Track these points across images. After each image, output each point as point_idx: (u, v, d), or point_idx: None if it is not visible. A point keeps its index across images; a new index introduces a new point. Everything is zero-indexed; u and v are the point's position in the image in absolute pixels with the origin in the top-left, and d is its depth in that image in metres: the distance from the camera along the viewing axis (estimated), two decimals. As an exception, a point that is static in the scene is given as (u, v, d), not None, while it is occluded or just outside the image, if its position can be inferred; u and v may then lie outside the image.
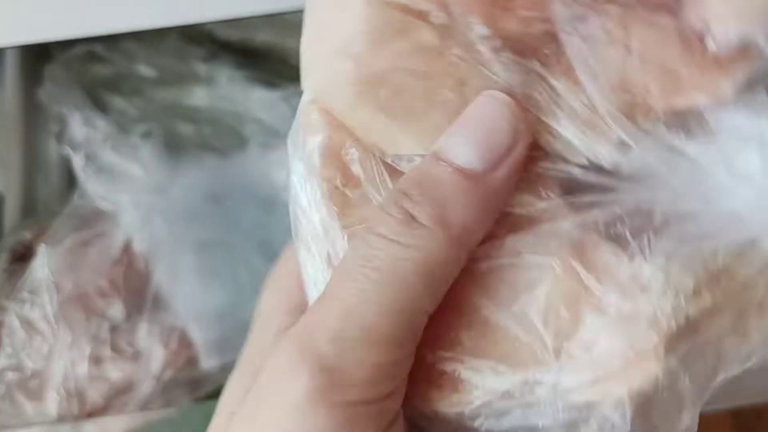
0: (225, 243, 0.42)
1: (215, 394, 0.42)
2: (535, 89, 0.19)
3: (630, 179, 0.20)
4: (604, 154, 0.19)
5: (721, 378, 0.20)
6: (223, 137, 0.43)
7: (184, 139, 0.43)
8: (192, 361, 0.38)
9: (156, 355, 0.36)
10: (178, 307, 0.39)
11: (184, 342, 0.38)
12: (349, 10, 0.20)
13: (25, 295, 0.38)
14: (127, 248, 0.37)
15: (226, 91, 0.42)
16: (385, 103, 0.20)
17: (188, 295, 0.39)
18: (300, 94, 0.46)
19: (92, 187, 0.37)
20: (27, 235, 0.40)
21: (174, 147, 0.42)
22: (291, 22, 0.43)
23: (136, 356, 0.36)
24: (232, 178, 0.43)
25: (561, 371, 0.18)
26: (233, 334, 0.39)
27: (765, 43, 0.19)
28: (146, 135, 0.41)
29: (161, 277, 0.39)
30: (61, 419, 0.36)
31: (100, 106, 0.41)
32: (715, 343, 0.19)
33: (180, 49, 0.43)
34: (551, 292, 0.18)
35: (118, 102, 0.41)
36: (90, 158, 0.37)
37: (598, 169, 0.19)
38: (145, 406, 0.36)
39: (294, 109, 0.44)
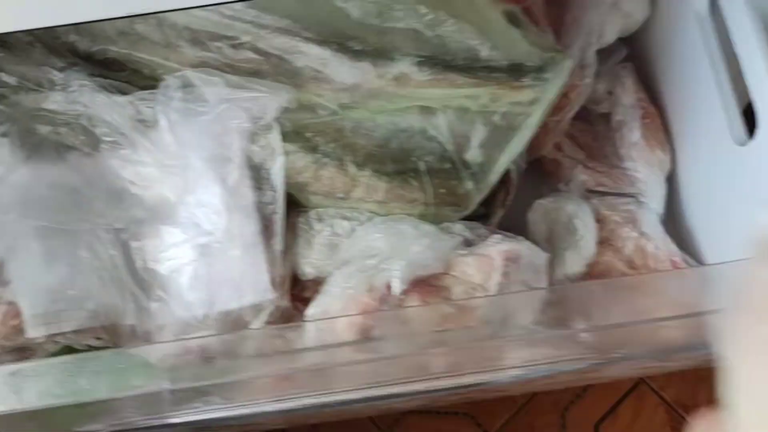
0: (71, 229, 0.46)
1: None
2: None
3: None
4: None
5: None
6: (77, 137, 0.47)
7: (41, 138, 0.47)
8: (18, 331, 0.42)
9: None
10: (14, 283, 0.43)
11: (12, 314, 0.42)
12: None
13: None
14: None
15: (80, 96, 0.46)
16: None
17: (25, 272, 0.43)
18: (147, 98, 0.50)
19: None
20: None
21: (31, 146, 0.47)
22: (142, 34, 0.48)
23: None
24: (85, 173, 0.48)
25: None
26: (60, 309, 0.43)
27: None
28: (3, 135, 0.45)
29: (1, 257, 0.43)
30: None
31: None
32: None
33: (42, 60, 0.48)
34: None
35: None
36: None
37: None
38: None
39: (140, 111, 0.48)
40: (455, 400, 0.68)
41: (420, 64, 0.45)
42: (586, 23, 0.59)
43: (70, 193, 0.47)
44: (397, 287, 0.44)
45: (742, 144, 0.51)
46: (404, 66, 0.45)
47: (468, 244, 0.50)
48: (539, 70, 0.47)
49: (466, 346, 0.40)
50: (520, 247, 0.48)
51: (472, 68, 0.46)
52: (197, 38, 0.46)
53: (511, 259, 0.47)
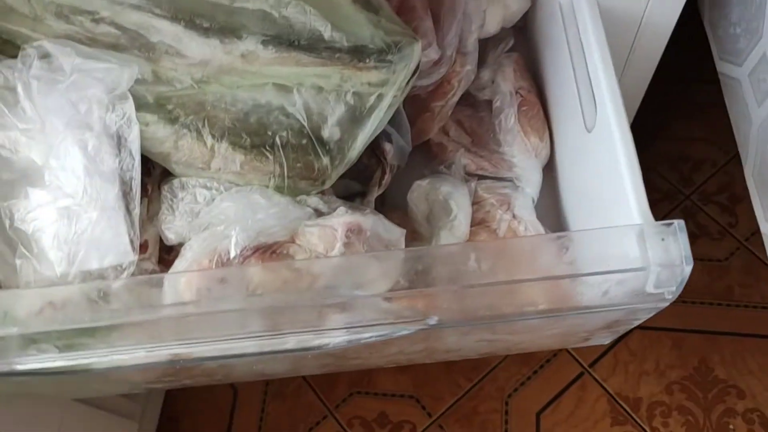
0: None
1: None
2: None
3: None
4: None
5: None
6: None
7: None
8: None
9: None
10: None
11: None
12: None
13: None
14: None
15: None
16: None
17: None
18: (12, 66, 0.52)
19: None
20: None
21: None
22: (11, 6, 0.51)
23: None
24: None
25: None
26: None
27: None
28: None
29: None
30: None
31: None
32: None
33: None
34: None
35: None
36: None
37: None
38: None
39: (7, 79, 0.50)
40: (316, 366, 0.70)
41: (266, 42, 0.48)
42: (460, 11, 0.61)
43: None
44: (233, 251, 0.47)
45: (591, 130, 0.53)
46: (251, 44, 0.48)
47: (322, 216, 0.53)
48: (382, 52, 0.49)
49: (287, 308, 0.42)
50: (364, 220, 0.50)
51: (315, 48, 0.49)
52: (61, 12, 0.49)
53: (353, 231, 0.50)
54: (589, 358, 1.11)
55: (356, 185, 0.61)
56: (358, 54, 0.50)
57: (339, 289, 0.43)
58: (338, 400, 1.15)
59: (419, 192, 0.63)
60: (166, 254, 0.57)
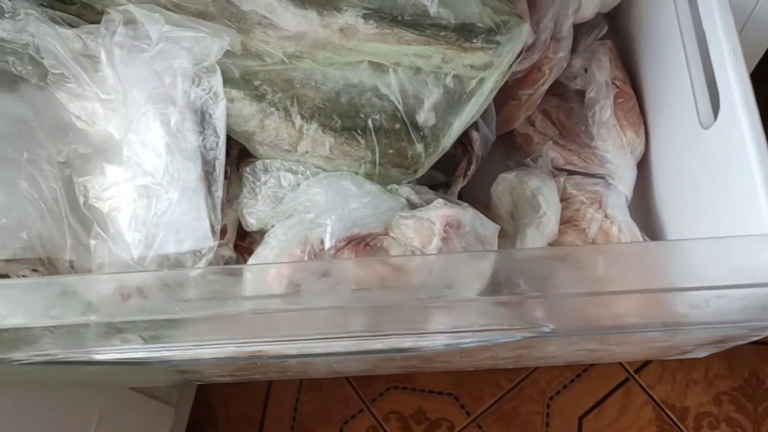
0: (11, 158, 0.46)
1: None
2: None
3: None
4: None
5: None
6: (24, 67, 0.47)
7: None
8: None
9: None
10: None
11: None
12: None
13: None
14: None
15: (26, 25, 0.46)
16: None
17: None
18: (94, 32, 0.50)
19: None
20: None
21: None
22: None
23: None
24: (32, 104, 0.48)
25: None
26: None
27: None
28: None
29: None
30: None
31: None
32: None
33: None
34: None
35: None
36: None
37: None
38: None
39: (87, 45, 0.48)
40: (396, 367, 0.67)
41: (366, 16, 0.44)
42: (561, -7, 0.57)
43: (14, 122, 0.47)
44: (328, 241, 0.43)
45: (708, 127, 0.49)
46: (350, 17, 0.44)
47: (413, 207, 0.50)
48: (490, 32, 0.45)
49: (390, 307, 0.39)
50: (463, 213, 0.47)
51: (420, 25, 0.45)
52: (147, -25, 0.46)
53: (452, 225, 0.46)
54: (635, 364, 1.07)
55: (439, 175, 0.57)
56: (465, 33, 0.46)
57: (443, 289, 0.39)
58: (375, 394, 1.12)
59: (504, 185, 0.59)
60: (240, 240, 0.54)
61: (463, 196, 0.62)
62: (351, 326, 0.39)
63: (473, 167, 0.58)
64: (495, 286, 0.39)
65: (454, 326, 0.39)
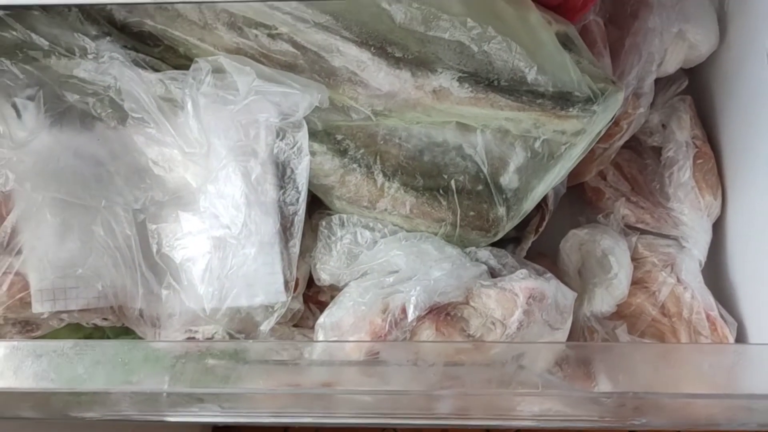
0: (87, 204, 0.45)
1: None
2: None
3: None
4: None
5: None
6: (104, 108, 0.46)
7: (68, 106, 0.46)
8: (25, 304, 0.41)
9: (-14, 294, 0.39)
10: (24, 253, 0.42)
11: (20, 285, 0.41)
12: None
13: None
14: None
15: (110, 68, 0.45)
16: None
17: (37, 244, 0.43)
18: (178, 78, 0.48)
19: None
20: None
21: (57, 113, 0.46)
22: (180, 11, 0.46)
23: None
24: (109, 146, 0.47)
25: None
26: (69, 286, 0.42)
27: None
28: (29, 98, 0.44)
29: (14, 225, 0.42)
30: None
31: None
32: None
33: (76, 25, 0.47)
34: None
35: (9, 66, 0.44)
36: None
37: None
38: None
39: (170, 91, 0.47)
40: None
41: (462, 80, 0.43)
42: (646, 50, 0.55)
43: (91, 165, 0.46)
44: (411, 313, 0.42)
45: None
46: (445, 80, 0.43)
47: (492, 272, 0.48)
48: (588, 101, 0.44)
49: (477, 392, 0.38)
50: (547, 286, 0.45)
51: (516, 91, 0.43)
52: (234, 23, 0.45)
53: (536, 298, 0.45)
54: None
55: (510, 231, 0.56)
56: (562, 101, 0.44)
57: (536, 374, 0.38)
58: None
59: (574, 242, 0.57)
60: (306, 288, 0.53)
61: (529, 248, 0.61)
62: (436, 409, 0.38)
63: (544, 223, 0.57)
64: (590, 378, 0.38)
65: (542, 413, 0.38)
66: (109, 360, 0.38)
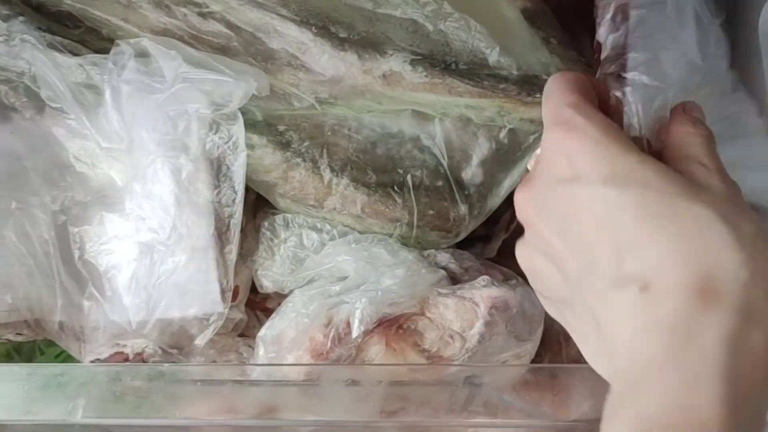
0: (0, 207, 0.40)
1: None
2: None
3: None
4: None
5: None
6: (18, 97, 0.41)
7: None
8: None
9: None
10: None
11: None
12: None
13: None
14: None
15: (22, 51, 0.40)
16: None
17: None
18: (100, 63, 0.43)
19: None
20: None
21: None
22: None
23: None
24: (26, 140, 0.42)
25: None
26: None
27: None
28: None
29: None
30: None
31: None
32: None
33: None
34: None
35: None
36: None
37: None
38: None
39: (91, 77, 0.42)
40: None
41: (415, 63, 0.38)
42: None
43: (4, 160, 0.41)
44: (357, 328, 0.37)
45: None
46: (396, 63, 0.38)
47: (453, 277, 0.43)
48: (559, 85, 0.39)
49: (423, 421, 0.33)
50: (512, 294, 0.40)
51: (476, 75, 0.38)
52: (161, 0, 0.40)
53: (499, 308, 0.40)
54: None
55: (479, 228, 0.51)
56: (528, 86, 0.39)
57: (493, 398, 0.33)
58: None
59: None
60: (252, 295, 0.48)
61: (503, 247, 0.56)
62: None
63: (516, 221, 0.52)
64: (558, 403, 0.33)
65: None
66: (7, 386, 0.33)
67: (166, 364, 0.37)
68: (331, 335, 0.38)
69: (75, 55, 0.41)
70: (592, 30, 0.52)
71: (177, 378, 0.35)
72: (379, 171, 0.43)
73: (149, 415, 0.33)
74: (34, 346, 0.51)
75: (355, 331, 0.37)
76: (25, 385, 0.33)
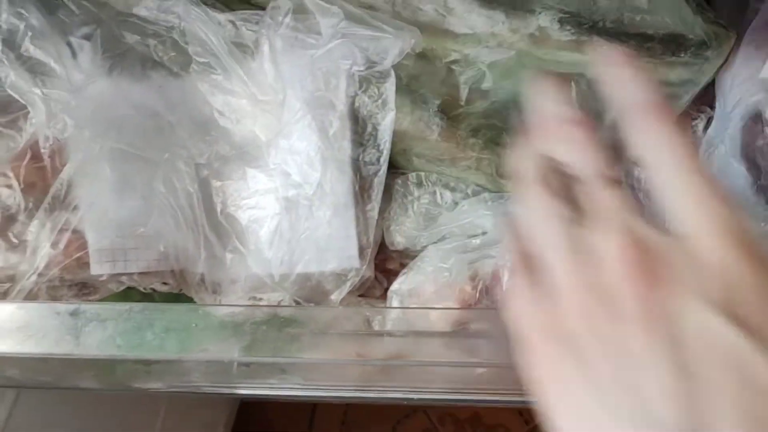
0: (149, 157, 0.41)
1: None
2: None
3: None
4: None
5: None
6: (166, 52, 0.42)
7: (128, 48, 0.42)
8: (82, 265, 0.37)
9: (42, 252, 0.35)
10: (82, 209, 0.38)
11: (77, 244, 0.37)
12: None
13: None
14: (33, 142, 0.37)
15: (174, 6, 0.41)
16: None
17: (95, 200, 0.39)
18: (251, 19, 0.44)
19: (8, 75, 0.36)
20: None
21: (116, 55, 0.42)
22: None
23: (21, 248, 0.35)
24: (171, 95, 0.43)
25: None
26: (129, 247, 0.39)
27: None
28: (86, 37, 0.40)
29: (71, 178, 0.38)
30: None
31: (46, 3, 0.41)
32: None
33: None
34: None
35: (64, 1, 0.40)
36: (10, 47, 0.37)
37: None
38: (28, 297, 0.36)
39: (240, 34, 0.42)
40: None
41: (563, 21, 0.39)
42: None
43: (152, 116, 0.42)
44: (507, 278, 0.38)
45: None
46: (544, 21, 0.39)
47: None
48: (701, 45, 0.40)
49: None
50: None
51: (623, 33, 0.39)
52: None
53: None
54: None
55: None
56: (674, 45, 0.40)
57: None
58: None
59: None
60: (377, 258, 0.49)
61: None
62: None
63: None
64: None
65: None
66: (180, 326, 0.34)
67: (321, 307, 0.38)
68: (479, 287, 0.38)
69: (226, 10, 0.42)
70: None
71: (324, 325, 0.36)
72: (513, 132, 0.43)
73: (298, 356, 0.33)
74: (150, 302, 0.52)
75: (507, 283, 0.38)
76: (200, 323, 0.34)
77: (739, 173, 0.37)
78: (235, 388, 0.37)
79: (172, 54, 0.42)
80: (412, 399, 0.37)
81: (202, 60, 0.42)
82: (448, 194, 0.44)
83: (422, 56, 0.42)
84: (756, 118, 0.37)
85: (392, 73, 0.40)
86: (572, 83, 0.43)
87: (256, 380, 0.35)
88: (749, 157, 0.37)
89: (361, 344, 0.38)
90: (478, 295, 0.39)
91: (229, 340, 0.35)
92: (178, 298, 0.46)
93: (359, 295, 0.50)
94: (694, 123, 0.45)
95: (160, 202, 0.41)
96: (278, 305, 0.42)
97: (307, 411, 1.09)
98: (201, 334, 0.34)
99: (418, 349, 0.38)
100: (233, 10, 0.42)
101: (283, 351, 0.34)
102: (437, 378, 0.36)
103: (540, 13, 0.39)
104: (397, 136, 0.44)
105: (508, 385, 0.37)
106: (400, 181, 0.45)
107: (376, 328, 0.39)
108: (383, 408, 1.08)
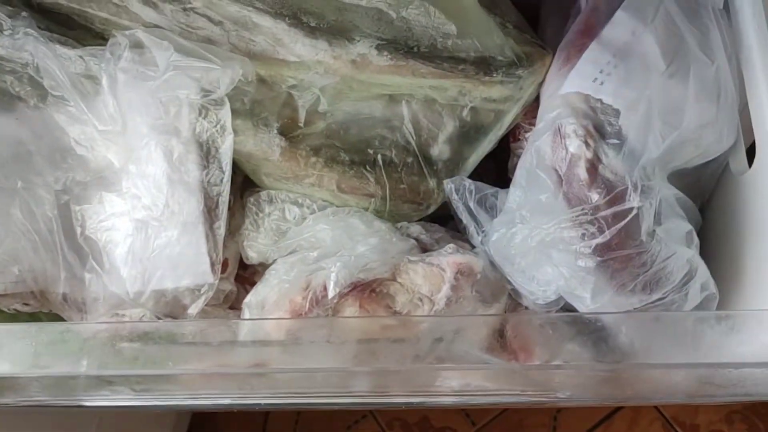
0: (5, 186, 0.44)
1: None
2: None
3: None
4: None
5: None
6: (23, 87, 0.45)
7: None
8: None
9: None
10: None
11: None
12: None
13: None
14: None
15: (25, 44, 0.44)
16: None
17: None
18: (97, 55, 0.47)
19: None
20: None
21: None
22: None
23: None
24: (30, 126, 0.46)
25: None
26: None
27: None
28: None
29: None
30: None
31: None
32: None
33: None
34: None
35: None
36: None
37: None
38: None
39: (89, 68, 0.45)
40: None
41: (380, 47, 0.42)
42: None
43: (10, 145, 0.45)
44: (332, 290, 0.41)
45: (742, 173, 0.46)
46: (363, 48, 0.42)
47: (424, 247, 0.47)
48: (512, 65, 0.43)
49: (396, 368, 0.37)
50: (476, 260, 0.44)
51: (437, 57, 0.42)
52: (149, -1, 0.43)
53: (464, 273, 0.43)
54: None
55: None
56: (484, 66, 0.43)
57: (457, 349, 0.37)
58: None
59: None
60: (242, 270, 0.52)
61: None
62: (353, 387, 0.37)
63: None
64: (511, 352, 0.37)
65: (463, 389, 0.37)
66: (16, 343, 0.37)
67: (161, 321, 0.41)
68: (309, 297, 0.41)
69: (71, 45, 0.45)
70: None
71: (172, 337, 0.39)
72: (352, 151, 0.46)
73: (144, 368, 0.36)
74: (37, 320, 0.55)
75: (331, 293, 0.41)
76: (33, 341, 0.36)
77: (544, 184, 0.40)
78: (78, 400, 0.39)
79: (29, 88, 0.45)
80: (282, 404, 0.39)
81: (56, 93, 0.45)
82: (296, 210, 0.47)
83: (263, 82, 0.45)
84: (556, 131, 0.40)
85: (226, 100, 0.43)
86: (403, 103, 0.46)
87: (95, 393, 0.38)
88: (553, 168, 0.40)
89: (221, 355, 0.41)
90: (308, 305, 0.42)
91: (69, 355, 0.38)
92: (58, 316, 0.49)
93: (229, 308, 0.53)
94: (526, 135, 0.48)
95: (16, 228, 0.44)
96: (140, 320, 0.45)
97: (260, 419, 1.11)
98: (34, 351, 0.37)
99: (267, 358, 0.40)
100: (85, 45, 0.46)
101: (122, 365, 0.37)
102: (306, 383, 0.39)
103: (359, 40, 0.42)
104: (244, 157, 0.47)
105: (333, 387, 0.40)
106: (252, 199, 0.48)
107: (239, 339, 0.42)
108: (334, 414, 1.10)
